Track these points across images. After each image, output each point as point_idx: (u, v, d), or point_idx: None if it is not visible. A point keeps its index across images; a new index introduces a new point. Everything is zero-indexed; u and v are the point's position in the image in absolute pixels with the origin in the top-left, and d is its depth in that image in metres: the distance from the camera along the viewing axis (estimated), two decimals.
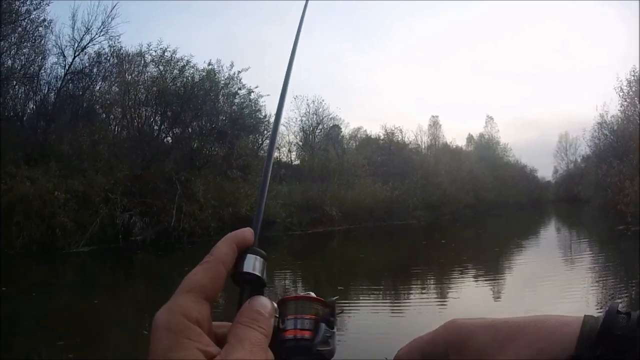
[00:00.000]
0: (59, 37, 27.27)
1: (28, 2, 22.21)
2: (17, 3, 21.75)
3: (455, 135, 73.68)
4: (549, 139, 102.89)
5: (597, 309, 8.18)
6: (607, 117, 42.95)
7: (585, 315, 0.50)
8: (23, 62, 22.87)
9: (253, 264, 0.54)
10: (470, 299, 10.22)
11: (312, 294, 0.57)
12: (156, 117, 25.66)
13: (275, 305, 0.54)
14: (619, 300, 9.23)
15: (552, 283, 10.87)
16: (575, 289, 10.06)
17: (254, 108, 28.76)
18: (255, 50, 78.03)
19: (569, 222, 35.28)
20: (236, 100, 28.27)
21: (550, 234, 27.71)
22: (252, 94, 28.35)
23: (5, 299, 10.40)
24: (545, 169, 79.07)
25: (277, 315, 0.53)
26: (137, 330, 8.14)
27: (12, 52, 22.27)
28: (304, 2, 0.96)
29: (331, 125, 39.73)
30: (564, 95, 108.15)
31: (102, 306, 10.37)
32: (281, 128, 34.97)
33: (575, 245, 20.60)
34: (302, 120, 38.22)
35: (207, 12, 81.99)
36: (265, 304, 0.52)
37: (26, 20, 22.40)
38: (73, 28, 26.07)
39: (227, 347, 0.46)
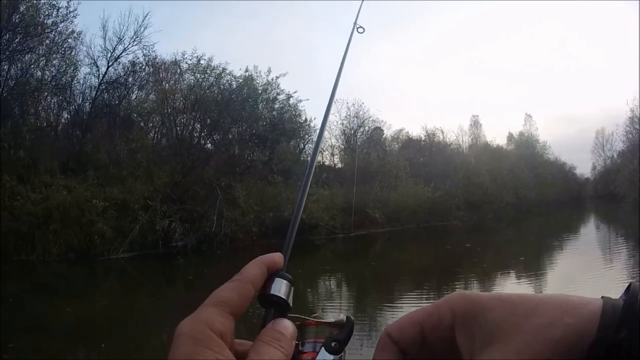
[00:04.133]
0: (91, 48, 27.34)
1: (54, 15, 20.97)
2: (42, 16, 20.48)
3: (496, 134, 70.39)
4: (588, 135, 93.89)
5: None
6: (637, 111, 39.90)
7: (603, 297, 0.44)
8: (54, 73, 21.57)
9: (280, 288, 0.53)
10: None
11: (322, 319, 0.54)
12: (195, 125, 24.11)
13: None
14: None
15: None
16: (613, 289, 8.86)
17: (293, 113, 27.16)
18: (293, 54, 75.92)
19: (606, 219, 33.31)
20: (275, 106, 26.83)
21: (589, 231, 26.84)
22: (291, 98, 26.97)
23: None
24: (585, 166, 74.30)
25: (296, 341, 0.52)
26: None
27: (41, 63, 21.02)
28: (348, 37, 1.04)
29: (373, 127, 37.55)
30: (602, 88, 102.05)
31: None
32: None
33: (613, 242, 19.97)
34: (342, 124, 36.13)
35: (247, 15, 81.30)
36: (288, 326, 0.50)
37: (53, 33, 21.15)
38: (104, 38, 25.72)
39: None
